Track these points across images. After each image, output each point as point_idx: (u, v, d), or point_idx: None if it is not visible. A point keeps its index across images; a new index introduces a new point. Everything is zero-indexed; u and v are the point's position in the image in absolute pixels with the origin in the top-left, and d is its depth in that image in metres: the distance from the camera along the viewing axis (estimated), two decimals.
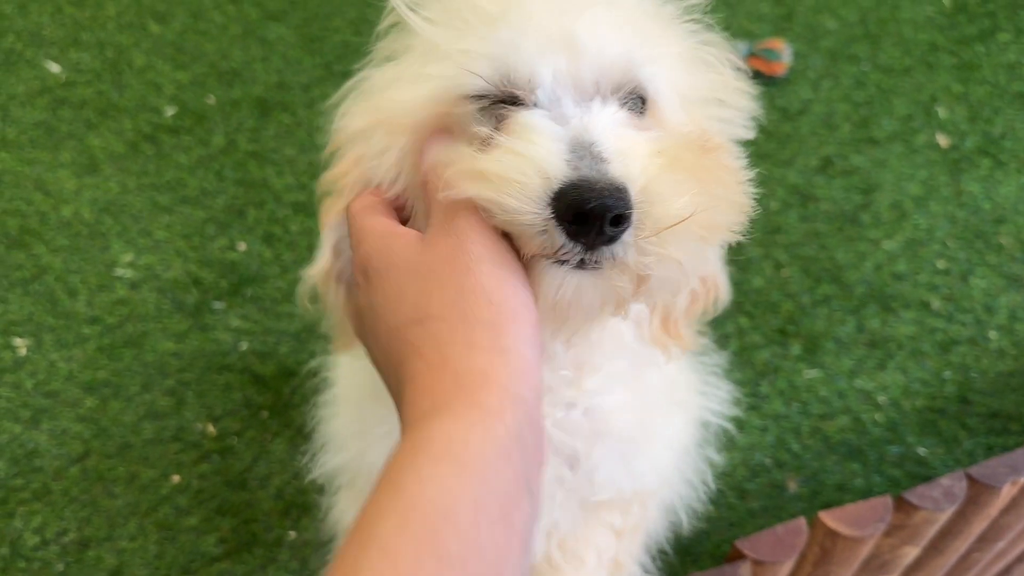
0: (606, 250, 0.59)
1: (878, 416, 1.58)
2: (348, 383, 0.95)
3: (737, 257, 1.80)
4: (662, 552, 1.10)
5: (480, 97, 0.66)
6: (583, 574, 0.91)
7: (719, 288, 0.80)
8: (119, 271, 1.77)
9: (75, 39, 2.25)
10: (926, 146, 2.04)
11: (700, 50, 0.74)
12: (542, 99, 0.64)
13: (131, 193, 1.91)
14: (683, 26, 0.73)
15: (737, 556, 0.89)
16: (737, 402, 1.53)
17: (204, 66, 2.18)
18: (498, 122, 0.65)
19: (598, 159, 0.59)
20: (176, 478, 1.50)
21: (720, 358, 1.13)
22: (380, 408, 0.85)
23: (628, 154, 0.60)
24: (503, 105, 0.65)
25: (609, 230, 0.58)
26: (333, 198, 0.76)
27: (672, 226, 0.59)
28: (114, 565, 1.41)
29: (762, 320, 1.71)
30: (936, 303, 1.75)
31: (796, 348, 1.67)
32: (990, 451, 1.53)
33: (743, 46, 2.17)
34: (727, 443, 1.52)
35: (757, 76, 2.16)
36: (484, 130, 0.64)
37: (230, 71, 2.17)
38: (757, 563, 0.88)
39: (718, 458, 1.14)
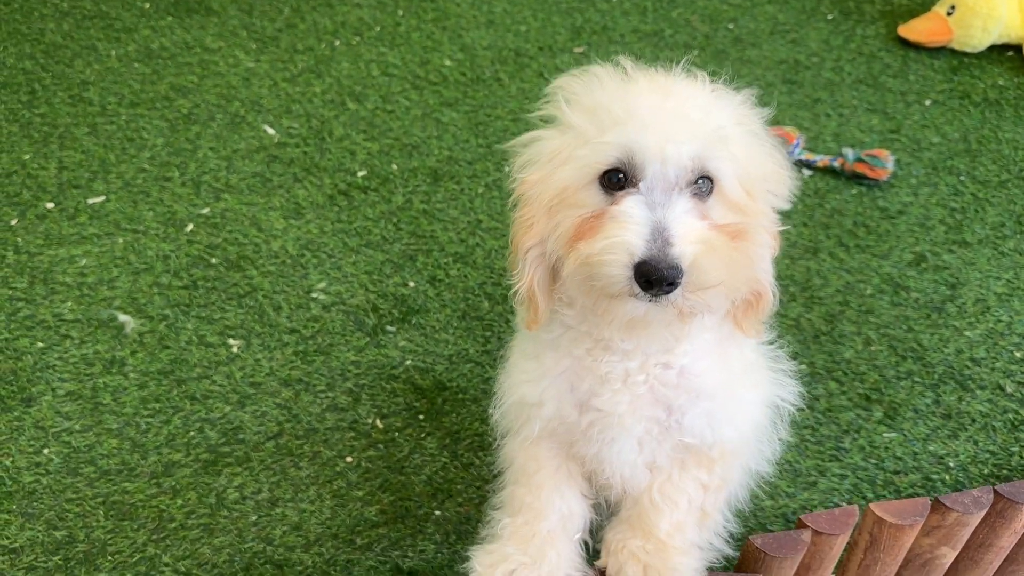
0: (664, 296, 1.00)
1: (947, 476, 1.80)
2: (517, 349, 1.30)
3: (831, 330, 2.07)
4: (740, 513, 1.36)
5: (608, 172, 1.06)
6: (676, 515, 1.20)
7: (766, 300, 1.15)
8: (315, 294, 2.18)
9: (288, 109, 2.76)
10: (1014, 251, 2.27)
11: (756, 143, 1.12)
12: (643, 189, 1.05)
13: (327, 235, 2.34)
14: (748, 112, 1.13)
15: (801, 527, 1.17)
16: (821, 450, 1.79)
17: (390, 139, 2.64)
18: (610, 197, 1.07)
19: (666, 243, 1.00)
20: (349, 459, 1.85)
21: (784, 354, 1.40)
22: (536, 367, 1.20)
23: (686, 239, 1.00)
24: (617, 186, 1.06)
25: (666, 288, 0.99)
26: (523, 232, 1.13)
27: (705, 288, 1.01)
28: (296, 521, 1.76)
29: (849, 386, 1.97)
30: (1010, 387, 1.96)
31: (878, 413, 1.92)
32: None
33: (851, 153, 2.46)
34: (809, 484, 1.78)
35: (862, 179, 2.45)
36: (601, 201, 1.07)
37: (410, 145, 2.62)
38: (816, 533, 1.15)
39: (789, 437, 1.41)
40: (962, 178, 2.47)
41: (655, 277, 0.97)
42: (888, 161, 2.44)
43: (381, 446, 1.88)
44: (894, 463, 1.83)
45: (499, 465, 1.34)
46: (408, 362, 2.04)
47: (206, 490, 1.81)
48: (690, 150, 1.03)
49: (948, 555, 1.25)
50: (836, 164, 2.47)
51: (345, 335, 2.10)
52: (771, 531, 1.72)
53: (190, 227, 2.37)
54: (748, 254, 1.07)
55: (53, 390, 1.99)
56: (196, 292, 2.20)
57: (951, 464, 1.83)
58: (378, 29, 3.12)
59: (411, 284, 2.21)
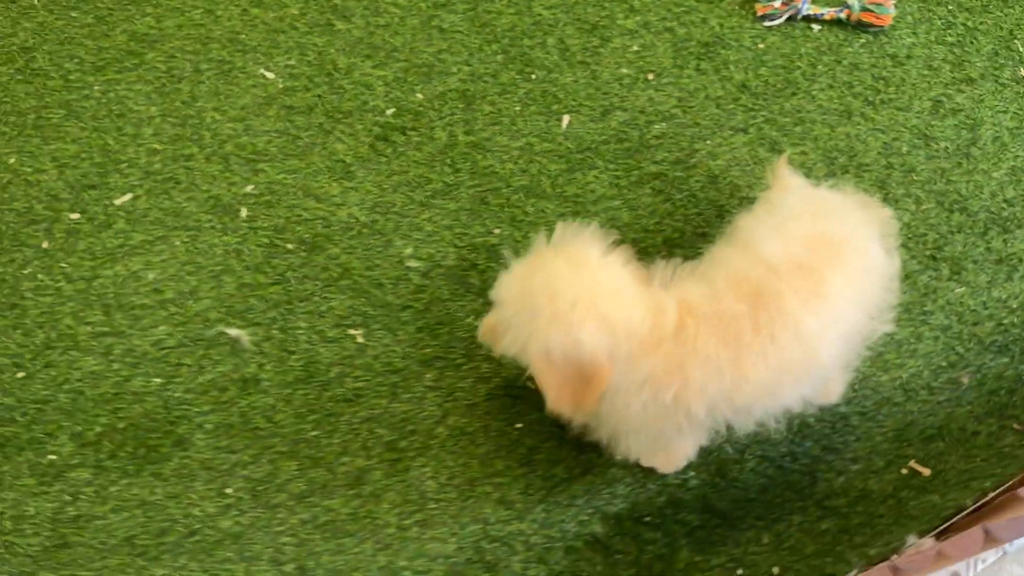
0: None
1: (1015, 319, 2.13)
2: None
3: (885, 196, 2.29)
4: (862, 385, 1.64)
5: None
6: None
7: None
8: (409, 263, 2.19)
9: (274, 43, 2.54)
10: (1012, 80, 2.50)
11: None
12: None
13: (388, 192, 2.29)
14: None
15: None
16: (911, 318, 2.06)
17: (400, 62, 2.50)
18: None
19: None
20: (519, 425, 2.00)
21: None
22: None
23: None
24: None
25: None
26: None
27: None
28: (498, 496, 1.92)
29: (916, 250, 2.22)
30: None
31: (945, 270, 2.20)
32: None
33: (856, 2, 2.56)
34: (913, 351, 2.07)
35: (868, 26, 2.57)
36: None
37: (424, 65, 2.50)
38: None
39: None
40: (950, 7, 2.63)
41: None
42: (890, 5, 2.56)
43: (540, 408, 2.02)
44: (971, 315, 2.14)
45: None
46: None
47: (405, 488, 1.93)
48: None
49: None
50: (843, 15, 2.57)
51: (456, 300, 2.15)
52: (896, 404, 2.03)
53: (244, 212, 2.26)
54: None
55: (200, 426, 1.99)
56: (290, 286, 2.16)
57: (1013, 305, 2.16)
58: None
59: (495, 231, 2.24)
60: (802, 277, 1.53)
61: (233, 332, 2.09)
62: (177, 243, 2.21)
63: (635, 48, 2.53)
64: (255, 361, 2.06)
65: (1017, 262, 2.22)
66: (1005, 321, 2.14)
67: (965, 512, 1.52)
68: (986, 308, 2.15)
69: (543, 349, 1.49)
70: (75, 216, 2.25)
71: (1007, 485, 1.49)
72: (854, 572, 1.38)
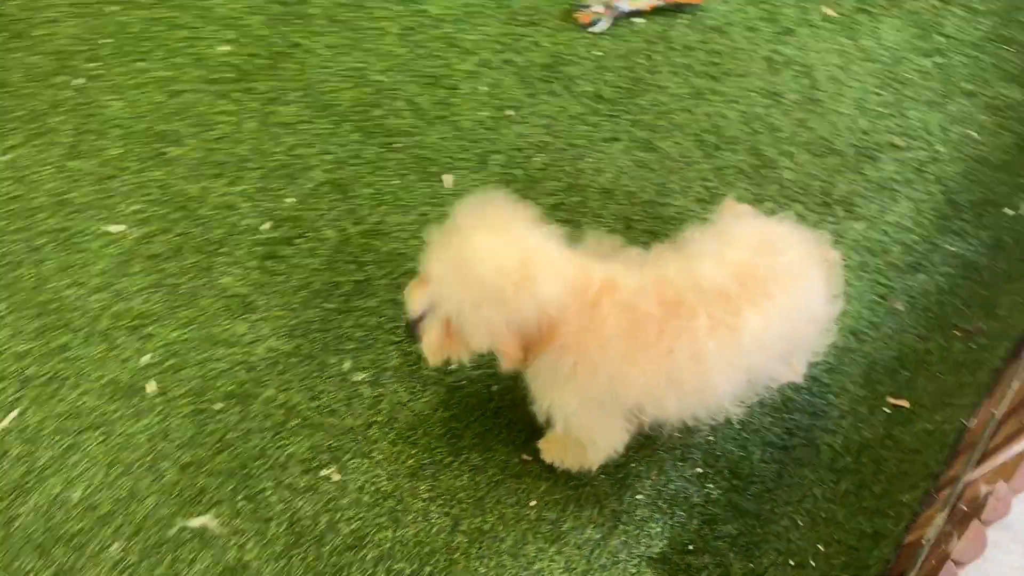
0: None
1: (914, 236, 2.30)
2: None
3: (763, 161, 2.39)
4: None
5: None
6: None
7: None
8: (353, 377, 2.04)
9: (108, 192, 2.28)
10: (822, 21, 2.68)
11: None
12: None
13: (299, 311, 2.13)
14: None
15: None
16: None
17: (254, 171, 2.32)
18: None
19: None
20: (533, 503, 1.92)
21: None
22: None
23: None
24: None
25: None
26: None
27: None
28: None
29: (809, 202, 2.34)
30: (898, 140, 2.46)
31: (840, 211, 2.33)
32: (976, 230, 2.30)
33: None
34: (846, 296, 2.18)
35: (684, 7, 2.67)
36: None
37: (282, 166, 2.33)
38: None
39: None
40: None
41: None
42: None
43: (546, 476, 1.96)
44: (878, 245, 2.28)
45: None
46: (494, 387, 2.05)
47: None
48: None
49: None
50: (660, 2, 2.65)
51: (417, 398, 2.03)
52: (853, 350, 2.13)
53: (151, 386, 2.02)
54: None
55: None
56: (235, 449, 1.95)
57: (908, 224, 2.32)
58: (111, 42, 2.55)
59: None
60: (721, 304, 1.53)
61: (195, 522, 1.86)
62: (91, 446, 1.94)
63: (484, 88, 2.49)
64: (233, 543, 1.85)
65: (895, 183, 2.39)
66: (907, 240, 2.29)
67: (991, 434, 1.61)
68: (887, 235, 2.30)
69: (505, 321, 1.52)
70: None
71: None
72: (938, 532, 1.43)
